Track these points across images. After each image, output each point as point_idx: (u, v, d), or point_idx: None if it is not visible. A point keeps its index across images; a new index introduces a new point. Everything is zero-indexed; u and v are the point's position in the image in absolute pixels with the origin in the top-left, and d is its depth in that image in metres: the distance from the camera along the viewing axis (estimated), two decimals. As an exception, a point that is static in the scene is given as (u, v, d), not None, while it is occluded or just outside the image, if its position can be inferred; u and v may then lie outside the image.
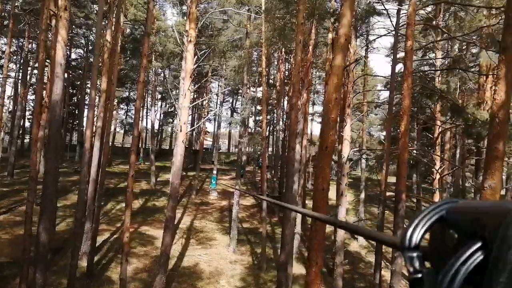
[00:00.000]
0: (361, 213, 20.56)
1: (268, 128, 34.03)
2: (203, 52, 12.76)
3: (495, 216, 0.25)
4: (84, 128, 20.39)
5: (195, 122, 41.21)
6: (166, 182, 26.36)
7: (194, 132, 43.43)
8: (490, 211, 0.26)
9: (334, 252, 15.49)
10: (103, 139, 13.75)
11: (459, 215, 0.29)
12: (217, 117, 31.86)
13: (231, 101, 52.60)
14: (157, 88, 34.26)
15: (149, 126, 42.50)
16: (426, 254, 0.30)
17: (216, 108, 32.78)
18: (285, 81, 24.08)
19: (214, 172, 29.31)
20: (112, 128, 28.50)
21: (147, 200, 23.56)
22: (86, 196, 13.17)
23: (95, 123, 14.80)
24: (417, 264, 0.29)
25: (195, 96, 42.93)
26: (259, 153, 46.45)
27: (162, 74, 39.48)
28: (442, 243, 0.29)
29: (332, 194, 28.01)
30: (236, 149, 60.61)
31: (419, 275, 0.28)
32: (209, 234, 18.79)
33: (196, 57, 12.94)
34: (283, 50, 22.86)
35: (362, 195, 21.09)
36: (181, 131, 12.00)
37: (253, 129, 47.63)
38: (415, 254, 0.29)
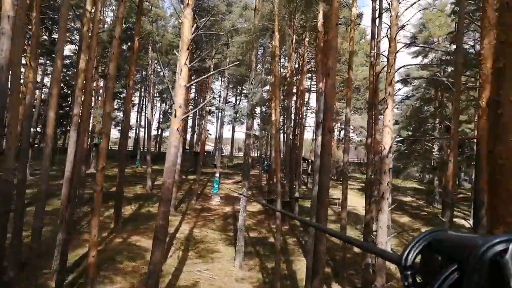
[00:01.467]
0: (388, 220, 17.79)
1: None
2: (202, 21, 10.42)
3: (467, 247, 0.34)
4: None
5: (196, 124, 38.72)
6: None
7: (195, 134, 40.94)
8: (465, 242, 0.35)
9: (366, 269, 12.79)
10: (80, 129, 11.17)
11: (443, 243, 0.38)
12: (220, 114, 29.23)
13: (234, 101, 50.20)
14: (156, 87, 31.93)
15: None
16: (417, 270, 0.39)
17: (219, 106, 30.23)
18: (295, 72, 21.60)
19: (217, 175, 26.72)
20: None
21: (141, 205, 20.94)
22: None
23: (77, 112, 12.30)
24: (410, 280, 0.39)
25: (196, 97, 40.58)
26: (264, 156, 43.87)
27: (161, 73, 37.21)
28: (429, 264, 0.38)
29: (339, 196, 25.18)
30: (240, 153, 58.05)
31: None
32: (211, 245, 16.11)
33: (194, 25, 10.47)
34: (295, 37, 20.41)
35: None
36: (175, 116, 9.42)
37: (259, 132, 45.30)
38: (409, 272, 0.39)
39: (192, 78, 29.56)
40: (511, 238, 0.33)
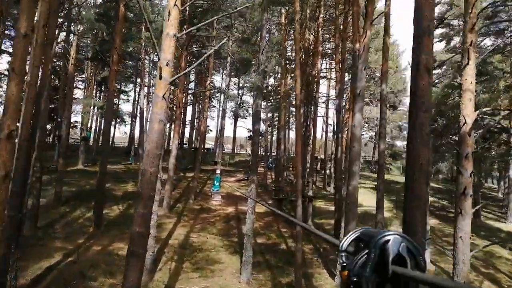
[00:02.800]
0: (427, 225, 14.90)
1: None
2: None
3: (372, 238, 0.58)
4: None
5: (195, 118, 35.87)
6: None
7: (194, 129, 38.01)
8: (373, 235, 0.59)
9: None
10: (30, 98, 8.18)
11: (364, 235, 0.61)
12: (221, 105, 26.41)
13: (236, 93, 47.39)
14: (153, 72, 29.13)
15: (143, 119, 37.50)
16: (351, 252, 0.62)
17: (221, 90, 27.33)
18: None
19: (218, 171, 23.89)
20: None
21: (131, 205, 18.09)
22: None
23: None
24: (343, 259, 0.62)
25: (195, 89, 37.69)
26: (268, 153, 40.99)
27: (155, 51, 34.41)
28: (356, 248, 0.62)
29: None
30: (242, 150, 55.14)
31: (344, 264, 0.61)
32: (211, 253, 13.26)
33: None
34: (308, 13, 17.57)
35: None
36: (160, 78, 6.62)
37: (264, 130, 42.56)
38: (343, 254, 0.62)
39: (188, 59, 26.67)
40: (394, 233, 0.57)
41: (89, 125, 27.93)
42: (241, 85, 45.10)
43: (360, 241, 0.61)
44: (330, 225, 18.04)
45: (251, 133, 47.59)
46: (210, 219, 17.96)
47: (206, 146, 49.92)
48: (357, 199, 9.14)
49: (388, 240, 0.56)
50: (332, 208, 22.49)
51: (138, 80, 27.16)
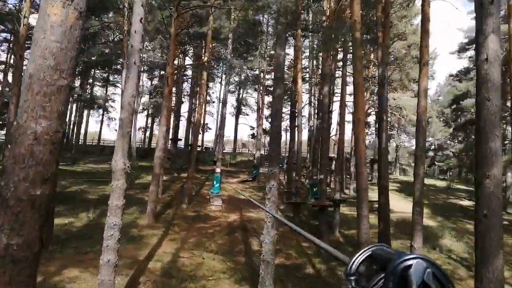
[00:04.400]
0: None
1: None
2: None
3: (389, 261, 0.46)
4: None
5: (192, 108, 31.78)
6: (146, 185, 16.87)
7: (191, 125, 33.87)
8: (389, 257, 0.47)
9: None
10: None
11: (378, 255, 0.50)
12: (221, 92, 22.42)
13: (237, 93, 43.38)
14: (143, 56, 25.00)
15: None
16: (363, 275, 0.50)
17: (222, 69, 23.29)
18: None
19: (218, 170, 19.79)
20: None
21: (104, 212, 13.93)
22: None
23: None
24: (353, 284, 0.49)
25: (195, 86, 33.63)
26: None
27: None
28: (370, 270, 0.50)
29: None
30: (244, 149, 50.77)
31: None
32: (209, 284, 9.09)
33: None
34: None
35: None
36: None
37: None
38: (352, 278, 0.50)
39: (186, 40, 22.66)
40: (417, 257, 0.45)
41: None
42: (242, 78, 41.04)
43: (373, 261, 0.50)
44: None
45: (253, 132, 43.47)
46: (208, 229, 13.80)
47: (205, 146, 45.84)
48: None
49: (410, 265, 0.44)
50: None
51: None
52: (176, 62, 29.37)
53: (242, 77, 37.31)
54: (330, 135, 16.35)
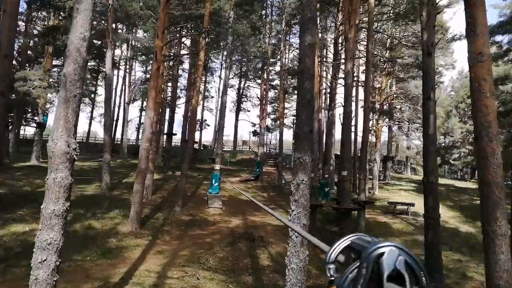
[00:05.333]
0: None
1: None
2: None
3: (364, 249, 0.47)
4: None
5: (188, 100, 29.21)
6: (132, 184, 14.28)
7: (187, 121, 31.30)
8: (364, 245, 0.48)
9: None
10: None
11: (355, 245, 0.51)
12: (220, 81, 19.95)
13: (237, 87, 40.92)
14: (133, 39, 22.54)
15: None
16: (342, 263, 0.52)
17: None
18: None
19: (217, 167, 17.37)
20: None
21: (80, 216, 11.36)
22: None
23: None
24: (331, 272, 0.52)
25: (193, 79, 31.11)
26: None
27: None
28: (347, 258, 0.52)
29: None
30: (245, 147, 48.10)
31: (332, 278, 0.51)
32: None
33: None
34: None
35: None
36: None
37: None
38: (331, 266, 0.52)
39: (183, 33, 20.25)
40: (390, 245, 0.47)
41: (46, 106, 21.25)
42: (243, 72, 38.59)
43: (352, 250, 0.52)
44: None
45: (255, 129, 40.84)
46: (205, 238, 11.26)
47: (203, 144, 43.27)
48: None
49: (383, 253, 0.46)
50: (384, 219, 15.81)
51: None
52: (172, 53, 26.89)
53: (244, 63, 34.73)
54: (352, 124, 13.80)
